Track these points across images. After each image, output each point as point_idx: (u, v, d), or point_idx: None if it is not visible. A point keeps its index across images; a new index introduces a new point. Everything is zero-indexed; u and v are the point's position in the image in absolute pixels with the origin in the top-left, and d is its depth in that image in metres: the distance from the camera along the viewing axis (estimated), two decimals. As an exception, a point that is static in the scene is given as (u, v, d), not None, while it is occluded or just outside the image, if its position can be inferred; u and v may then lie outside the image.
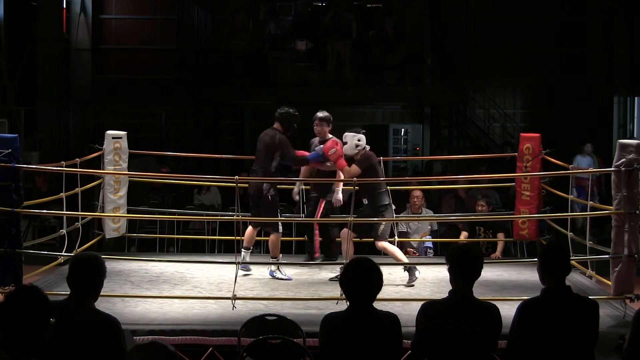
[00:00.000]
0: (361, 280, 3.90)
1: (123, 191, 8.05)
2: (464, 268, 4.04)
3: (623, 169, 5.92)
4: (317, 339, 4.06)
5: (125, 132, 8.23)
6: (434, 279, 7.17)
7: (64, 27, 15.31)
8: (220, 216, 9.11)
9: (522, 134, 8.66)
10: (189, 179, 9.72)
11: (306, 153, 7.35)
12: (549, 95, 15.09)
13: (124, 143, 8.10)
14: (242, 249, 7.17)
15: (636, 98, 15.44)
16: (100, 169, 7.82)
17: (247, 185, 7.61)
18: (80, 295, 3.82)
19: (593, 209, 7.29)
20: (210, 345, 5.44)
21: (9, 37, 15.12)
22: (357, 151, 7.05)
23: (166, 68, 14.92)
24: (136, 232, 8.88)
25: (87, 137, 12.96)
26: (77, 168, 7.17)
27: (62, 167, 6.96)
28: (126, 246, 8.80)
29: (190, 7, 14.47)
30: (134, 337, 4.98)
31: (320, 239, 7.84)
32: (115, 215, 7.90)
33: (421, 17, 14.76)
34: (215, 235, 8.83)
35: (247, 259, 7.22)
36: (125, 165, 8.10)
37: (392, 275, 7.22)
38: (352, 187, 6.81)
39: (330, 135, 7.55)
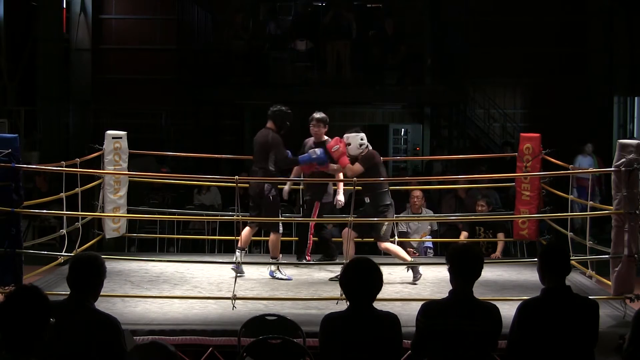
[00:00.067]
0: (361, 280, 3.90)
1: (123, 191, 8.05)
2: (464, 268, 4.04)
3: (623, 169, 5.92)
4: (317, 339, 4.05)
5: (125, 132, 8.23)
6: (434, 279, 7.17)
7: (64, 27, 15.32)
8: (220, 216, 9.12)
9: (522, 134, 8.66)
10: (189, 179, 9.72)
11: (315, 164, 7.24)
12: (549, 95, 15.09)
13: (124, 143, 8.10)
14: (237, 249, 7.14)
15: (636, 98, 15.45)
16: (100, 169, 7.81)
17: (247, 185, 7.60)
18: (80, 295, 3.82)
19: (593, 209, 7.29)
20: (210, 345, 5.44)
21: (9, 37, 15.12)
22: (361, 150, 7.07)
23: (166, 68, 14.92)
24: (136, 232, 8.88)
25: (87, 137, 12.96)
26: (77, 168, 7.17)
27: (62, 167, 6.96)
28: (126, 246, 8.80)
29: (190, 7, 14.47)
30: (134, 337, 4.98)
31: (315, 239, 7.82)
32: (115, 215, 7.90)
33: (421, 17, 14.76)
34: (215, 235, 8.83)
35: (241, 261, 7.04)
36: (125, 165, 8.10)
37: (392, 275, 7.22)
38: (352, 187, 6.80)
39: (326, 137, 7.56)
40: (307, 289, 6.88)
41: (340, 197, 7.63)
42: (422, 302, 4.15)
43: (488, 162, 11.77)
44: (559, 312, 4.01)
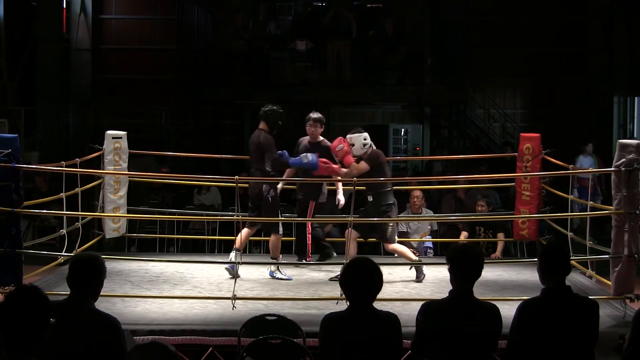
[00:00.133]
0: (361, 280, 3.90)
1: (123, 191, 8.05)
2: (464, 268, 4.04)
3: (623, 169, 5.92)
4: (317, 339, 4.05)
5: (125, 132, 8.23)
6: (434, 279, 7.17)
7: (64, 27, 15.31)
8: (220, 216, 9.12)
9: (522, 134, 8.66)
10: (189, 179, 9.72)
11: (335, 166, 7.14)
12: (549, 95, 15.08)
13: (124, 143, 8.10)
14: (233, 249, 7.13)
15: (636, 98, 15.44)
16: (100, 169, 7.82)
17: (247, 185, 7.59)
18: (80, 295, 3.82)
19: (593, 209, 7.29)
20: (210, 345, 5.44)
21: (9, 37, 15.12)
22: (365, 150, 7.07)
23: (166, 68, 14.92)
24: (136, 232, 8.87)
25: (87, 137, 12.96)
26: (77, 168, 7.17)
27: (62, 167, 6.96)
28: (126, 246, 8.80)
29: (190, 7, 14.47)
30: (134, 337, 4.99)
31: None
32: (115, 215, 7.90)
33: (421, 17, 14.75)
34: (215, 235, 8.83)
35: (236, 262, 6.93)
36: (125, 165, 8.10)
37: (392, 275, 7.22)
38: (352, 187, 6.79)
39: (321, 137, 7.55)
40: (307, 289, 6.88)
41: (341, 197, 7.62)
42: (422, 302, 4.15)
43: (488, 162, 11.77)
44: (559, 312, 4.01)
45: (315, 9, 14.83)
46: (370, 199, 7.06)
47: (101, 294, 3.96)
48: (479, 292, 4.35)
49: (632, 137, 13.47)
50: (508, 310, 4.32)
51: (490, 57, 14.93)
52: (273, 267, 7.24)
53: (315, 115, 7.56)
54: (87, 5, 15.20)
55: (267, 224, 7.35)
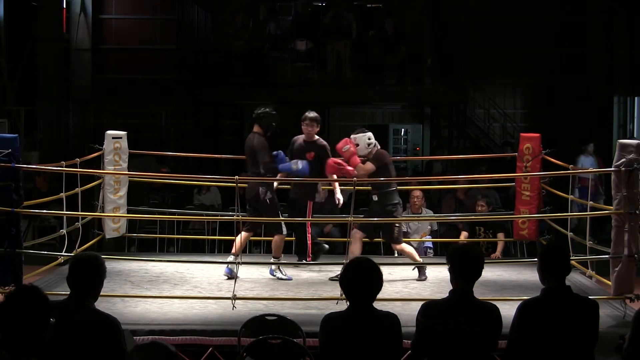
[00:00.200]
0: (361, 280, 3.90)
1: (123, 191, 8.05)
2: (465, 268, 4.04)
3: (623, 169, 5.92)
4: (317, 339, 4.05)
5: (125, 132, 8.23)
6: (434, 279, 7.18)
7: (64, 27, 15.31)
8: (220, 216, 9.12)
9: (522, 134, 8.66)
10: (189, 179, 9.73)
11: (349, 168, 7.07)
12: (549, 95, 15.08)
13: (124, 143, 8.10)
14: (231, 254, 7.13)
15: (636, 98, 15.44)
16: (100, 169, 7.82)
17: (246, 186, 7.58)
18: (80, 295, 3.82)
19: (593, 209, 7.29)
20: (210, 345, 5.44)
21: (9, 37, 15.12)
22: (369, 150, 7.07)
23: (166, 68, 14.92)
24: (136, 232, 8.88)
25: (87, 137, 12.96)
26: (77, 168, 7.17)
27: (62, 167, 6.96)
28: (126, 246, 8.81)
29: (190, 7, 14.47)
30: (134, 337, 4.98)
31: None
32: (115, 215, 7.90)
33: (421, 17, 14.76)
34: (215, 235, 8.83)
35: (234, 267, 6.86)
36: (125, 165, 8.10)
37: (392, 275, 7.23)
38: (353, 187, 6.79)
39: (317, 137, 7.55)
40: (307, 289, 6.88)
41: (339, 196, 7.60)
42: (422, 302, 4.15)
43: (488, 162, 11.77)
44: (559, 312, 4.01)
45: (315, 9, 14.83)
46: (375, 198, 7.07)
47: (101, 294, 3.96)
48: (479, 292, 4.35)
49: (632, 137, 13.46)
50: (508, 310, 4.32)
51: (490, 57, 14.92)
52: (274, 266, 7.24)
53: (311, 114, 7.55)
54: (87, 5, 15.19)
55: (270, 226, 7.35)
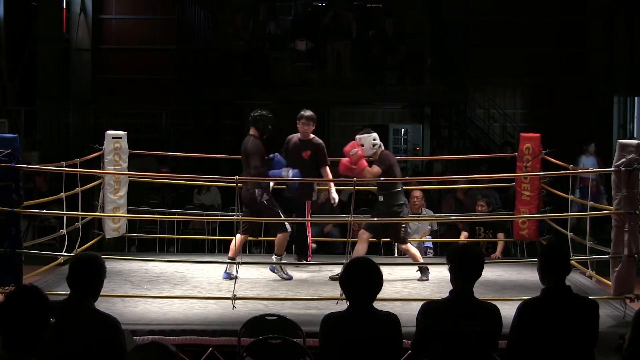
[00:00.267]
0: (361, 280, 3.90)
1: (123, 191, 8.05)
2: (465, 268, 4.04)
3: (623, 169, 5.92)
4: (317, 339, 4.06)
5: (125, 132, 8.23)
6: (434, 279, 7.18)
7: (64, 27, 15.30)
8: (220, 216, 9.11)
9: (522, 134, 8.66)
10: (189, 179, 9.73)
11: (362, 167, 7.08)
12: (549, 95, 15.07)
13: (124, 143, 8.10)
14: (228, 258, 7.11)
15: (636, 98, 15.44)
16: (100, 169, 7.82)
17: (242, 188, 7.56)
18: (80, 295, 3.82)
19: (593, 209, 7.29)
20: (210, 345, 5.44)
21: (9, 37, 15.12)
22: (374, 150, 7.08)
23: (166, 68, 14.91)
24: (136, 232, 8.88)
25: (87, 137, 12.96)
26: (77, 168, 7.17)
27: (62, 167, 6.96)
28: (126, 246, 8.80)
29: (190, 7, 14.47)
30: (134, 337, 4.98)
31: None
32: (115, 215, 7.90)
33: (421, 17, 14.75)
34: (215, 235, 8.82)
35: (233, 271, 6.91)
36: (125, 165, 8.11)
37: (392, 275, 7.23)
38: (352, 187, 6.79)
39: (312, 135, 7.54)
40: (307, 289, 6.88)
41: (334, 195, 7.59)
42: (422, 302, 4.15)
43: (488, 162, 11.77)
44: (559, 312, 4.01)
45: (315, 9, 14.83)
46: (381, 198, 7.09)
47: (101, 294, 3.96)
48: (479, 292, 4.35)
49: (632, 137, 13.46)
50: (508, 310, 4.32)
51: (490, 57, 14.92)
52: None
53: (307, 113, 7.55)
54: (87, 5, 15.19)
55: (272, 226, 7.35)
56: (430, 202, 9.96)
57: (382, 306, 4.07)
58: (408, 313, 5.02)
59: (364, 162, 7.02)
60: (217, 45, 14.59)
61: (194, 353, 5.47)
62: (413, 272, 7.28)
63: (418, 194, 9.04)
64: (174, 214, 9.27)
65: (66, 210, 7.11)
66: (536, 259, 4.30)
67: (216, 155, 9.61)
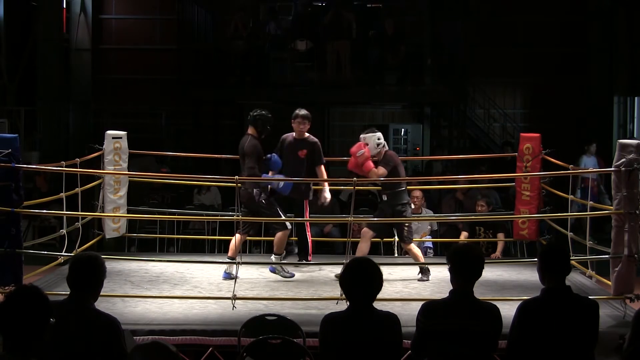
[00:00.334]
0: (361, 280, 3.90)
1: (123, 191, 8.05)
2: (465, 268, 4.04)
3: (623, 169, 5.92)
4: (317, 339, 4.06)
5: (125, 132, 8.22)
6: (434, 279, 7.17)
7: (64, 27, 15.32)
8: (220, 216, 9.11)
9: (522, 134, 8.66)
10: (189, 179, 9.73)
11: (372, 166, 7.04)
12: (549, 95, 15.09)
13: (124, 143, 8.10)
14: (227, 258, 7.12)
15: (636, 98, 15.44)
16: (100, 169, 7.81)
17: (240, 187, 7.55)
18: (80, 295, 3.82)
19: (593, 209, 7.29)
20: (210, 345, 5.44)
21: (9, 37, 15.13)
22: (379, 150, 7.08)
23: (166, 68, 14.92)
24: (136, 232, 8.87)
25: (87, 137, 12.96)
26: (77, 168, 7.17)
27: (62, 167, 6.96)
28: (126, 246, 8.80)
29: (190, 7, 14.46)
30: (134, 337, 4.98)
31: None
32: (115, 215, 7.90)
33: (421, 17, 14.76)
34: (215, 235, 8.82)
35: (232, 271, 6.90)
36: (125, 165, 8.10)
37: (392, 275, 7.23)
38: (352, 187, 6.79)
39: (307, 134, 7.54)
40: (307, 289, 6.88)
41: (327, 194, 7.58)
42: (422, 302, 4.15)
43: (488, 162, 11.77)
44: (559, 312, 4.01)
45: (315, 9, 14.84)
46: (385, 198, 7.09)
47: (101, 294, 3.96)
48: (479, 292, 4.35)
49: (632, 137, 13.46)
50: (508, 310, 4.32)
51: (490, 57, 14.93)
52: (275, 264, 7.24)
53: (302, 112, 7.55)
54: (87, 5, 15.20)
55: (272, 225, 7.35)
56: (430, 202, 9.96)
57: (382, 306, 4.07)
58: (408, 313, 5.02)
59: (371, 164, 7.02)
60: (217, 45, 14.59)
61: (194, 353, 5.47)
62: (413, 272, 7.28)
63: (418, 194, 9.03)
64: (174, 214, 9.26)
65: (66, 210, 7.11)
66: (536, 259, 4.30)
67: (216, 155, 9.61)
